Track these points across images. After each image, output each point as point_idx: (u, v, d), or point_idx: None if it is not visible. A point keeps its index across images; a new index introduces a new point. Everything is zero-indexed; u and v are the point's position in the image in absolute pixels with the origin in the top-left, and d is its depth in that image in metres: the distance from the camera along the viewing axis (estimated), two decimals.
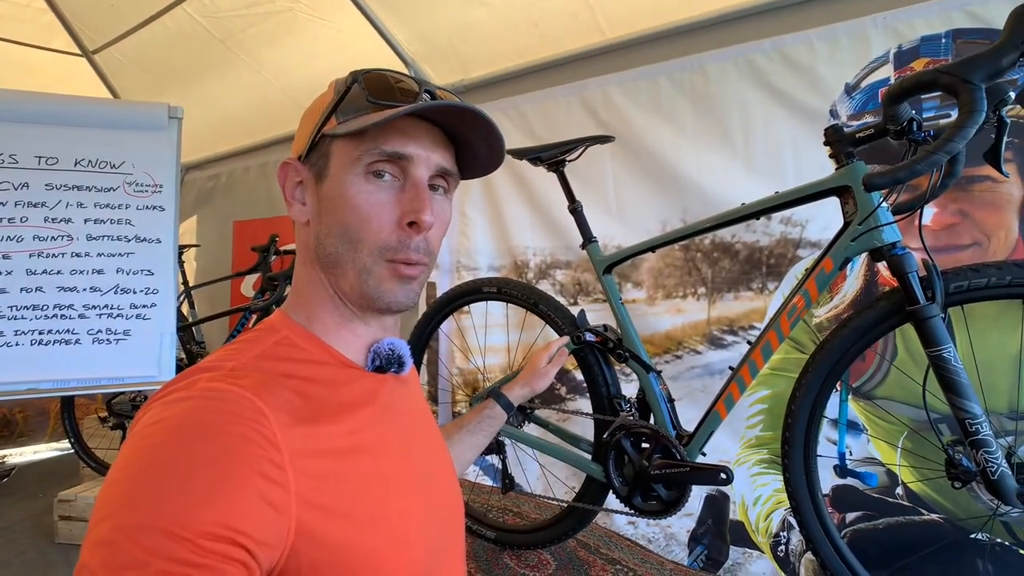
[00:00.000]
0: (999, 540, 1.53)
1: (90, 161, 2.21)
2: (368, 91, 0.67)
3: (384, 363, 0.73)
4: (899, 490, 1.69)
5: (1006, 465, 1.04)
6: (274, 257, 3.23)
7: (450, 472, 0.85)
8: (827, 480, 1.77)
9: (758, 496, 1.92)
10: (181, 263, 3.32)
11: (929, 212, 1.65)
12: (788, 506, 1.78)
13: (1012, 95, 0.95)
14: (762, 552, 1.90)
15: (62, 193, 2.17)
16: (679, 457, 1.40)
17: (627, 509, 1.48)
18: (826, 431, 1.80)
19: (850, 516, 1.75)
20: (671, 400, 1.50)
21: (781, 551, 1.85)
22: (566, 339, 1.51)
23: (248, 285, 3.70)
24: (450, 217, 0.75)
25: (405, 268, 0.67)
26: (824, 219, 1.78)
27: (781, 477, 1.30)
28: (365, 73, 0.68)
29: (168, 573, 0.45)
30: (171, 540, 0.46)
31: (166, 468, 0.50)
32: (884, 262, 1.14)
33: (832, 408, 1.78)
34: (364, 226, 0.66)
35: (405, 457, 0.71)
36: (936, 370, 1.08)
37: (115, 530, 0.47)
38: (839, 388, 1.78)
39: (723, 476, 1.33)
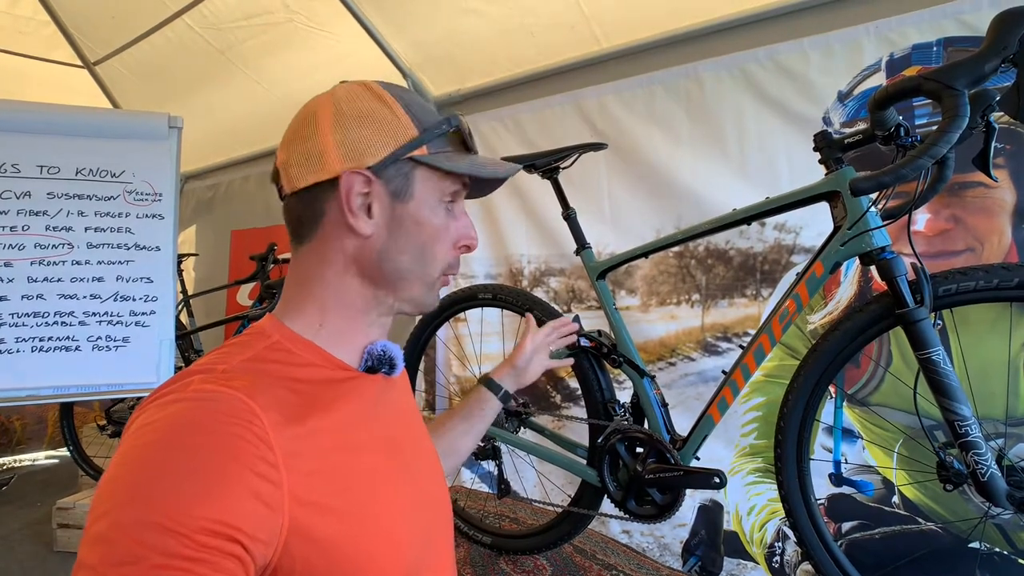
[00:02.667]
0: (997, 549, 1.53)
1: (91, 170, 2.23)
2: (463, 133, 0.76)
3: (376, 364, 0.74)
4: (895, 499, 1.69)
5: (996, 467, 1.04)
6: (272, 265, 3.24)
7: (437, 470, 0.86)
8: (822, 489, 1.77)
9: (752, 506, 1.92)
10: (180, 272, 3.34)
11: (923, 218, 1.66)
12: (782, 516, 1.78)
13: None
14: (757, 563, 1.89)
15: (63, 202, 2.19)
16: (673, 461, 1.40)
17: (622, 513, 1.48)
18: (822, 439, 1.80)
19: (846, 526, 1.74)
20: (665, 404, 1.51)
21: (776, 562, 1.85)
22: (569, 323, 1.47)
23: (244, 294, 3.71)
24: None
25: (446, 280, 0.78)
26: (818, 226, 1.79)
27: (775, 486, 1.30)
28: (460, 117, 0.76)
29: (165, 567, 0.46)
30: (168, 535, 0.47)
31: (162, 466, 0.51)
32: (873, 266, 1.15)
33: (828, 415, 1.79)
34: (439, 248, 0.74)
35: (393, 455, 0.73)
36: (925, 373, 1.09)
37: (113, 527, 0.48)
38: (833, 395, 1.78)
39: (716, 480, 1.34)
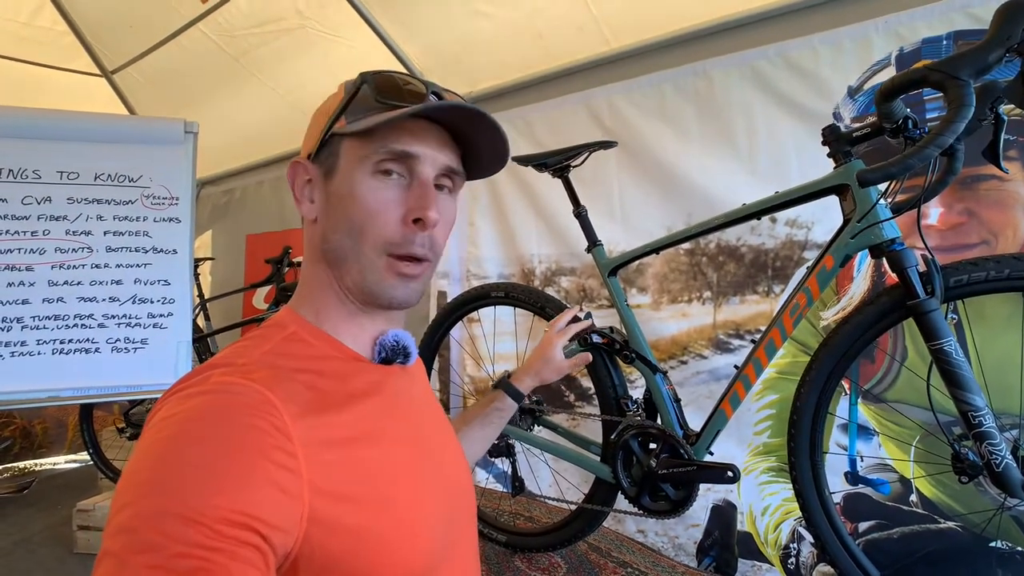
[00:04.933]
0: (1019, 548, 1.51)
1: (109, 175, 2.28)
2: (376, 91, 0.69)
3: (390, 355, 0.75)
4: (913, 497, 1.68)
5: (1011, 457, 1.04)
6: (287, 269, 3.28)
7: (460, 459, 0.86)
8: (838, 488, 1.75)
9: (766, 506, 1.90)
10: (196, 276, 3.39)
11: (936, 212, 1.65)
12: (797, 516, 1.76)
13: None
14: (772, 564, 1.88)
15: (83, 206, 2.24)
16: (686, 456, 1.40)
17: (635, 509, 1.49)
18: (837, 437, 1.79)
19: (863, 525, 1.73)
20: (677, 400, 1.51)
21: (792, 563, 1.83)
22: (585, 323, 1.48)
23: (260, 297, 3.75)
24: (455, 216, 0.77)
25: (406, 267, 0.69)
26: (830, 221, 1.77)
27: (790, 486, 1.30)
28: (374, 74, 0.70)
29: (186, 556, 0.47)
30: (188, 525, 0.48)
31: (182, 458, 0.52)
32: (884, 258, 1.15)
33: (843, 412, 1.77)
34: (370, 221, 0.68)
35: (415, 444, 0.73)
36: (938, 364, 1.08)
37: (135, 517, 0.49)
38: (848, 391, 1.77)
39: (730, 474, 1.33)
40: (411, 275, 0.70)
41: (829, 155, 1.22)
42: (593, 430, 1.66)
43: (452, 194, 0.75)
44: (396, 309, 0.74)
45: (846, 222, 1.21)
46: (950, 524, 1.61)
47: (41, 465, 4.26)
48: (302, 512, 0.55)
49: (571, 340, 1.45)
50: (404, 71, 0.75)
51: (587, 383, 2.30)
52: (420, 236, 0.69)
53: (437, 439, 0.81)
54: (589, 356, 1.45)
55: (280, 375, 0.62)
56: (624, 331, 1.57)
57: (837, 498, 1.73)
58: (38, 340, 2.16)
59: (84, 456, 3.29)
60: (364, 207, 0.68)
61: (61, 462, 4.35)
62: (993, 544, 1.54)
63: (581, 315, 1.49)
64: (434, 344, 1.92)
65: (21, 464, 4.21)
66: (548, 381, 1.34)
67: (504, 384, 1.28)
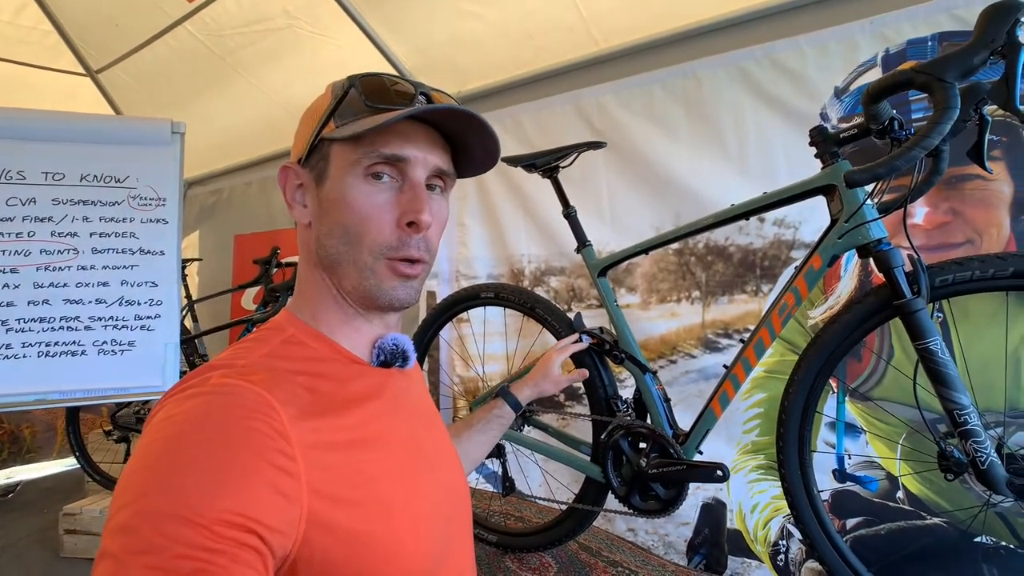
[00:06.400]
0: (1003, 543, 1.53)
1: (95, 176, 2.25)
2: (364, 95, 0.69)
3: (389, 358, 0.75)
4: (900, 494, 1.69)
5: (995, 455, 1.05)
6: (275, 269, 3.26)
7: (456, 462, 0.87)
8: (826, 485, 1.76)
9: (755, 503, 1.91)
10: (184, 277, 3.36)
11: (921, 211, 1.67)
12: (786, 513, 1.77)
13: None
14: (761, 561, 1.89)
15: (68, 208, 2.21)
16: (675, 455, 1.41)
17: (626, 509, 1.49)
18: (825, 435, 1.80)
19: (851, 522, 1.74)
20: (667, 400, 1.51)
21: (780, 560, 1.84)
22: (583, 345, 1.52)
23: (248, 298, 3.73)
24: (447, 216, 0.77)
25: (405, 267, 0.70)
26: (817, 221, 1.80)
27: (779, 483, 1.31)
28: (361, 77, 0.70)
29: (185, 557, 0.47)
30: (187, 526, 0.48)
31: (181, 459, 0.52)
32: (871, 258, 1.16)
33: (831, 411, 1.79)
34: (364, 226, 0.68)
35: (413, 447, 0.73)
36: (924, 363, 1.09)
37: (134, 517, 0.49)
38: (835, 390, 1.79)
39: (719, 473, 1.34)
40: (410, 274, 0.71)
41: (817, 156, 1.23)
42: (583, 430, 1.66)
43: (444, 193, 0.76)
44: (397, 310, 0.74)
45: (833, 222, 1.22)
46: (936, 520, 1.63)
47: (29, 470, 4.22)
48: (300, 515, 0.55)
49: (569, 358, 1.52)
50: (393, 72, 0.74)
51: (577, 383, 2.31)
52: (415, 239, 0.69)
53: (434, 443, 0.81)
54: (586, 372, 1.53)
55: (279, 377, 0.62)
56: (614, 331, 1.58)
57: (825, 495, 1.75)
58: (23, 343, 2.13)
59: (73, 461, 3.26)
60: (357, 212, 0.68)
61: (50, 467, 4.31)
62: (978, 539, 1.56)
63: (583, 340, 1.55)
64: (424, 345, 1.92)
65: (8, 470, 4.17)
66: (546, 394, 1.40)
67: (504, 393, 1.33)
